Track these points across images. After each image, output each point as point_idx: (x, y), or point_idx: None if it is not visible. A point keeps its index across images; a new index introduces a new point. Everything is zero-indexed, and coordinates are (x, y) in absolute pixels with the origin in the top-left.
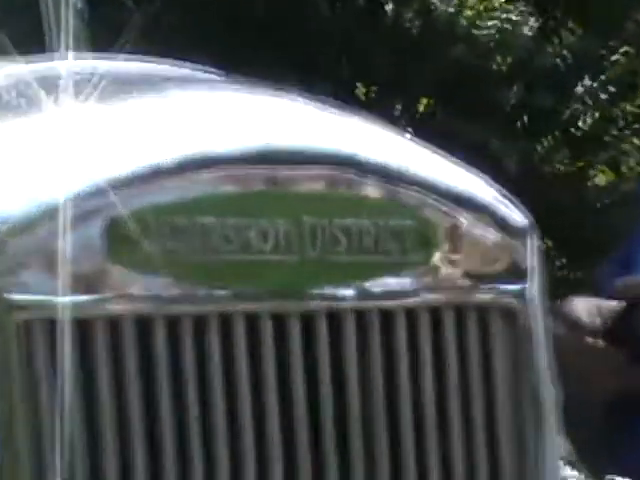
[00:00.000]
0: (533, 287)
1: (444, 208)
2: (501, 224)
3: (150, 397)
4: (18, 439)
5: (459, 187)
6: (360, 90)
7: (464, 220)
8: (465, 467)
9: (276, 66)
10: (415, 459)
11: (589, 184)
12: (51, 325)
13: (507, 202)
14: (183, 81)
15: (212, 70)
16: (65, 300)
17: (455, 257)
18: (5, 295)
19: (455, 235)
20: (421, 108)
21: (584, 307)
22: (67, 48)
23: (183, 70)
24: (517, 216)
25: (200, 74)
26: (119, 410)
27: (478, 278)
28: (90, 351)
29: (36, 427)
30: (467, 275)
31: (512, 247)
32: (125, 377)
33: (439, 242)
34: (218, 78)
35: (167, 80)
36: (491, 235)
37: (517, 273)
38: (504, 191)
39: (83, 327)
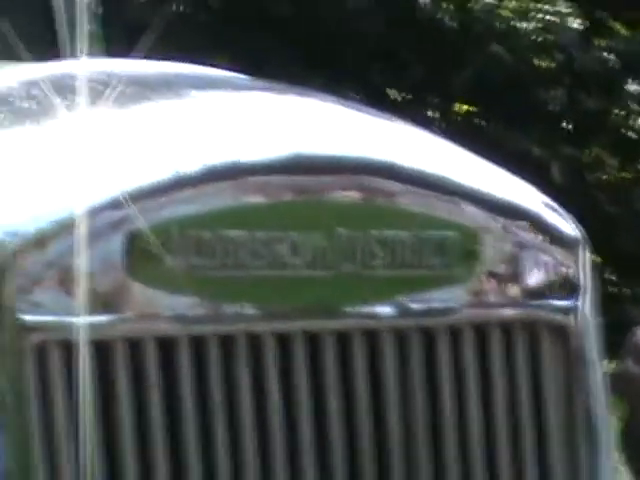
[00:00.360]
0: (586, 303)
1: (489, 218)
2: (551, 235)
3: (174, 423)
4: (35, 466)
5: (505, 196)
6: (391, 93)
7: (511, 231)
8: None
9: (302, 68)
10: None
11: None
12: (68, 347)
13: (557, 212)
14: (206, 84)
15: (236, 73)
16: (83, 320)
17: (501, 271)
18: (18, 316)
19: (501, 247)
20: (457, 112)
21: None
22: (83, 52)
23: (206, 73)
24: (568, 227)
25: (224, 77)
26: (141, 437)
27: (526, 293)
28: (110, 375)
29: (53, 455)
30: (514, 290)
31: (563, 260)
32: (148, 402)
33: (484, 255)
34: (243, 81)
35: (189, 84)
36: (540, 247)
37: (569, 288)
38: (551, 201)
39: (102, 349)
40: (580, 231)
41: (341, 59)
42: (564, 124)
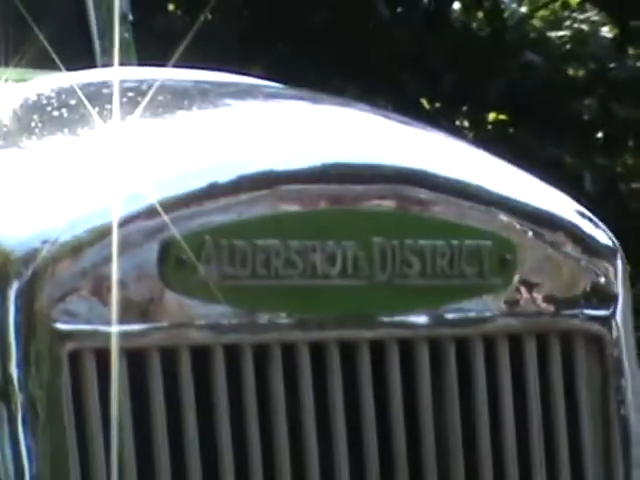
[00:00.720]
0: (621, 313)
1: (524, 227)
2: (586, 244)
3: (208, 431)
4: (68, 473)
5: (540, 205)
6: (423, 102)
7: (545, 240)
8: None
9: (334, 78)
10: None
11: None
12: (102, 355)
13: (591, 221)
14: (241, 93)
15: (271, 81)
16: (117, 329)
17: (536, 280)
18: (53, 324)
19: (536, 256)
20: (489, 121)
21: None
22: (116, 60)
23: (240, 81)
24: (603, 236)
25: (259, 85)
26: (175, 445)
27: (562, 302)
28: (144, 383)
29: (87, 462)
30: (549, 299)
31: (598, 269)
32: (182, 410)
33: (519, 264)
34: (279, 89)
35: (224, 92)
36: (575, 256)
37: (604, 297)
38: (585, 210)
39: (136, 357)
40: (614, 240)
41: (372, 68)
42: (596, 133)
